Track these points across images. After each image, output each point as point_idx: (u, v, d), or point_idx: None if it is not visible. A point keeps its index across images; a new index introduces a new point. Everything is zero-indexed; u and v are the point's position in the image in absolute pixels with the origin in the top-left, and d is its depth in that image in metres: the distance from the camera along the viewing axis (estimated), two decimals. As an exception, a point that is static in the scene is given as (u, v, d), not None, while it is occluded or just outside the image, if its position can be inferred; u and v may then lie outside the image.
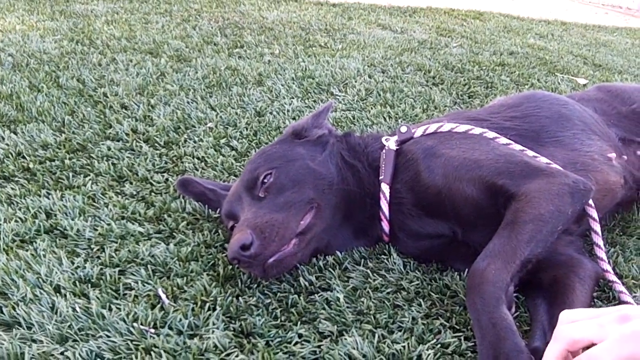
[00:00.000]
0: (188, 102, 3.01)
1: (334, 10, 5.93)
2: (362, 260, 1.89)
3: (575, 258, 1.84)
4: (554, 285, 1.73)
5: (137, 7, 5.04)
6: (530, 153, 1.89)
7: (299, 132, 2.08)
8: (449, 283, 1.80)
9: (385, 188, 1.90)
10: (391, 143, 1.97)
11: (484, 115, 2.18)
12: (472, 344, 1.56)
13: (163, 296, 1.64)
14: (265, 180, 1.84)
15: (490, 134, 1.95)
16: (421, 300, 1.73)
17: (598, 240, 1.80)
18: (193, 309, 1.60)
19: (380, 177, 1.92)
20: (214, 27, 4.60)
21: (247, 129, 2.77)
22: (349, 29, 5.14)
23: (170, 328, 1.53)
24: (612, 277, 1.77)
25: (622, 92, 2.52)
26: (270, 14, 5.33)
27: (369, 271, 1.83)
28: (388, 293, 1.75)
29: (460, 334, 1.60)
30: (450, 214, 1.84)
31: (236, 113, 2.93)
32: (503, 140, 1.93)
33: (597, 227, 1.81)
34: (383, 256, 1.92)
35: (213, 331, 1.53)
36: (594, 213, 1.81)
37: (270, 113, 2.98)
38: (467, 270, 1.78)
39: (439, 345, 1.55)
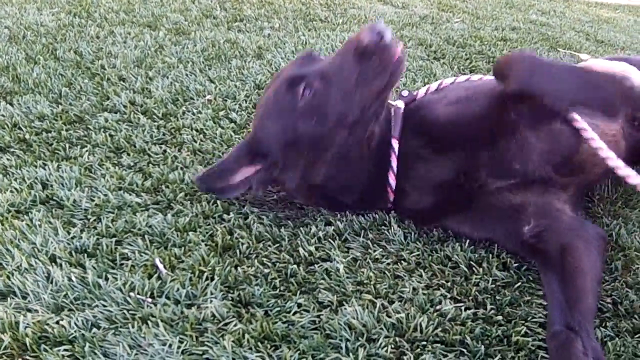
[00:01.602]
0: (187, 75, 2.97)
1: (334, -15, 5.87)
2: (362, 231, 1.87)
3: (579, 221, 1.83)
4: (562, 256, 1.70)
5: (136, -20, 4.98)
6: None
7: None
8: (450, 254, 1.79)
9: (394, 143, 1.87)
10: (399, 102, 1.97)
11: None
12: (472, 312, 1.55)
13: (160, 266, 1.62)
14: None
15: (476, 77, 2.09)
16: (422, 271, 1.71)
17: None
18: (191, 279, 1.58)
19: (393, 135, 1.90)
20: (214, 0, 4.55)
21: (246, 102, 2.73)
22: (350, 3, 5.09)
23: (167, 297, 1.52)
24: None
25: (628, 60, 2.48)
26: (270, -12, 5.28)
27: (369, 242, 1.81)
28: (388, 264, 1.73)
29: (461, 304, 1.59)
30: (458, 142, 1.83)
31: (235, 86, 2.89)
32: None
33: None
34: (383, 227, 1.90)
35: (211, 301, 1.51)
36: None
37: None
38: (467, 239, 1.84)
39: (439, 315, 1.54)
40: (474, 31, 4.53)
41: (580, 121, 1.75)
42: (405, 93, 2.02)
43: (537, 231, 1.78)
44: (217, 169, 1.93)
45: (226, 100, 2.72)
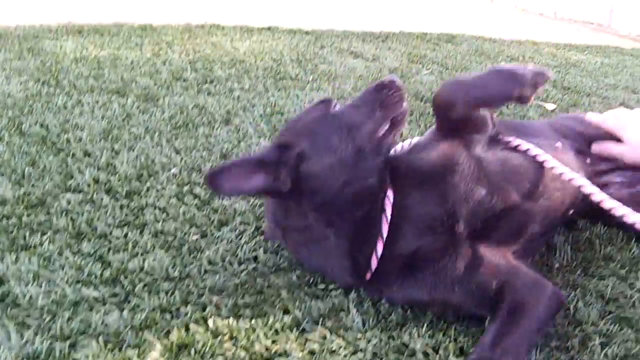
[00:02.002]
0: (153, 146, 2.98)
1: (307, 39, 5.92)
2: (321, 319, 1.87)
3: (536, 278, 1.91)
4: (513, 308, 1.79)
5: (108, 41, 5.00)
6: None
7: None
8: (407, 341, 1.79)
9: (389, 193, 1.93)
10: None
11: None
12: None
13: (114, 370, 1.62)
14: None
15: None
16: (378, 361, 1.71)
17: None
18: (144, 385, 1.57)
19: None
20: (185, 60, 4.58)
21: (211, 174, 2.74)
22: (321, 58, 5.14)
23: (118, 407, 1.51)
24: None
25: (579, 117, 2.76)
26: (242, 45, 5.32)
27: (327, 331, 1.81)
28: (345, 356, 1.73)
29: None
30: (433, 185, 1.93)
31: (201, 156, 2.90)
32: None
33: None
34: (342, 313, 1.90)
35: (163, 407, 1.50)
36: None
37: (236, 155, 2.96)
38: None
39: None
40: (442, 83, 4.57)
41: (542, 154, 2.03)
42: None
43: (501, 286, 1.84)
44: (234, 165, 1.89)
45: (191, 174, 2.73)
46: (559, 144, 2.37)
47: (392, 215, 1.90)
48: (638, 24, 9.78)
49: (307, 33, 6.22)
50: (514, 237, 2.02)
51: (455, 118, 1.96)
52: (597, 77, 5.67)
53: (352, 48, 5.66)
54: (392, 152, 2.09)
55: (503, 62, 5.71)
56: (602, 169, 2.50)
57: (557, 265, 2.24)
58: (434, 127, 2.14)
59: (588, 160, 2.46)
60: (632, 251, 2.37)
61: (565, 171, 2.00)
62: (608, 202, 1.95)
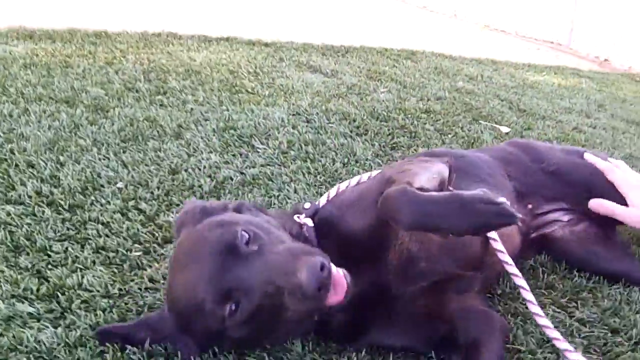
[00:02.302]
0: (100, 159, 2.91)
1: (266, 51, 5.88)
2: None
3: (485, 316, 1.94)
4: (468, 349, 1.83)
5: (60, 48, 4.88)
6: None
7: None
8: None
9: None
10: (307, 220, 1.95)
11: None
12: None
13: (42, 392, 1.57)
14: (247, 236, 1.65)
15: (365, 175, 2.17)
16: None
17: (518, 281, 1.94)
18: (72, 407, 1.53)
19: None
20: (138, 70, 4.50)
21: (158, 189, 2.70)
22: (279, 71, 5.11)
23: None
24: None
25: (531, 149, 2.70)
26: (199, 55, 5.26)
27: (265, 354, 1.79)
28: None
29: None
30: (362, 252, 1.86)
31: (149, 171, 2.85)
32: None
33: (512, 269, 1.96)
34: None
35: None
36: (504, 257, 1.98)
37: (186, 170, 2.91)
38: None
39: None
40: (399, 102, 4.60)
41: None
42: (307, 205, 2.00)
43: (451, 331, 1.88)
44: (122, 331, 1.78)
45: (137, 189, 2.68)
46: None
47: None
48: (597, 45, 9.96)
49: (266, 45, 6.18)
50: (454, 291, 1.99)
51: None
52: (553, 100, 5.75)
53: (312, 62, 5.63)
54: (322, 201, 2.06)
55: (461, 82, 5.76)
56: (543, 211, 2.53)
57: (499, 292, 2.26)
58: (376, 174, 2.12)
59: (530, 206, 2.49)
60: (574, 280, 2.40)
61: (502, 252, 1.97)
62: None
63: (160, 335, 1.74)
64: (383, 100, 4.59)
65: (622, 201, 2.45)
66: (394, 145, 3.63)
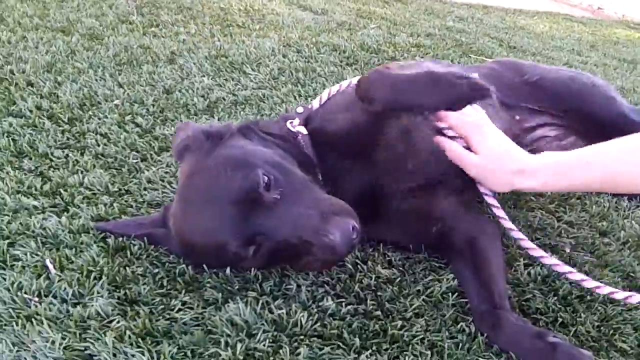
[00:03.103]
0: (96, 80, 2.99)
1: (255, -11, 5.92)
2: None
3: (477, 219, 2.01)
4: (471, 250, 1.87)
5: (54, -17, 4.94)
6: None
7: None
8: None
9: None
10: (301, 128, 1.95)
11: None
12: (353, 308, 1.65)
13: (50, 266, 1.67)
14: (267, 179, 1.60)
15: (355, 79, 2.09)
16: (308, 269, 1.80)
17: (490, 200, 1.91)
18: (79, 279, 1.63)
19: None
20: (131, 5, 4.54)
21: (153, 106, 2.78)
22: (269, 9, 5.15)
23: (54, 297, 1.57)
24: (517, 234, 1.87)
25: (515, 65, 2.71)
26: (190, -7, 5.30)
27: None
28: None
29: (342, 299, 1.68)
30: (357, 150, 1.90)
31: (144, 90, 2.93)
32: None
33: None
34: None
35: (97, 299, 1.56)
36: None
37: (180, 91, 2.99)
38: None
39: (320, 311, 1.63)
40: (389, 37, 4.66)
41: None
42: (300, 110, 2.02)
43: (445, 231, 1.93)
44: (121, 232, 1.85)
45: (133, 105, 2.76)
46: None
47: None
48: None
49: (256, -15, 6.21)
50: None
51: (373, 111, 1.83)
52: (544, 40, 5.80)
53: (301, 1, 5.67)
54: (315, 104, 2.06)
55: (451, 22, 5.81)
56: (532, 125, 2.59)
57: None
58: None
59: (517, 117, 2.51)
60: (563, 191, 2.49)
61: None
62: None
63: (160, 243, 1.81)
64: (373, 35, 4.64)
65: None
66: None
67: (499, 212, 1.89)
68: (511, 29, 6.09)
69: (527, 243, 1.83)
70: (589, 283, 1.72)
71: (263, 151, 1.75)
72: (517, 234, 1.85)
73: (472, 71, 2.55)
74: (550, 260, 1.80)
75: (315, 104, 2.07)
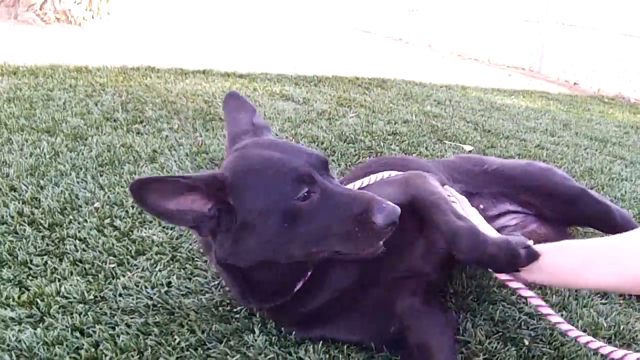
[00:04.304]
0: (78, 182, 3.09)
1: (241, 82, 6.10)
2: (224, 339, 2.03)
3: (433, 319, 2.07)
4: (418, 353, 1.97)
5: (42, 82, 5.09)
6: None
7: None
8: (303, 356, 1.95)
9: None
10: None
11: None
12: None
13: (23, 382, 1.74)
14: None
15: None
16: (275, 374, 1.87)
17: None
18: (50, 394, 1.70)
19: None
20: (117, 101, 4.69)
21: (133, 208, 2.87)
22: (252, 100, 5.28)
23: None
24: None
25: (474, 158, 2.94)
26: (175, 87, 5.47)
27: (227, 349, 1.96)
28: (244, 370, 1.88)
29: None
30: None
31: (124, 192, 3.03)
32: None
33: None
34: (245, 333, 2.06)
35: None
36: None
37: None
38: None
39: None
40: (367, 126, 4.80)
41: None
42: None
43: (401, 329, 2.03)
44: (165, 180, 1.80)
45: (113, 208, 2.86)
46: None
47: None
48: (566, 70, 10.23)
49: (241, 76, 6.40)
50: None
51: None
52: (519, 121, 5.96)
53: (284, 91, 5.84)
54: None
55: (429, 107, 5.97)
56: (494, 213, 2.71)
57: (451, 291, 2.44)
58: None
59: (482, 206, 2.65)
60: (525, 278, 2.57)
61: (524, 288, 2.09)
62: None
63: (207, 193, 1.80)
64: (351, 125, 4.79)
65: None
66: (359, 165, 3.82)
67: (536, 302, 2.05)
68: (487, 111, 6.25)
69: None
70: None
71: None
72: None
73: (436, 165, 2.70)
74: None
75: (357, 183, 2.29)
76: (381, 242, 1.79)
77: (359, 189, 2.22)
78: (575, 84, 9.88)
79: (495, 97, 7.36)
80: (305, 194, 1.76)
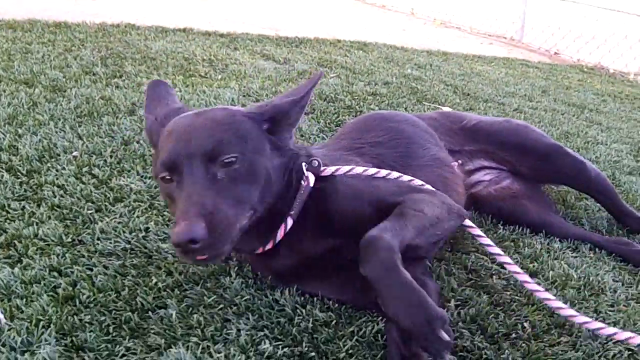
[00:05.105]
0: (56, 132, 3.09)
1: (221, 41, 6.07)
2: (201, 281, 2.05)
3: (421, 280, 2.01)
4: None
5: (20, 36, 5.05)
6: (418, 182, 2.16)
7: (276, 121, 1.94)
8: (278, 298, 1.98)
9: (289, 221, 1.96)
10: (311, 177, 2.02)
11: (354, 143, 2.47)
12: (290, 350, 1.76)
13: (1, 316, 1.75)
14: (228, 162, 1.73)
15: (383, 172, 2.14)
16: (250, 314, 1.90)
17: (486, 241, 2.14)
18: (28, 327, 1.72)
19: (291, 212, 1.96)
20: (96, 57, 4.67)
21: (111, 157, 2.89)
22: (232, 59, 5.30)
23: (3, 345, 1.66)
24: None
25: (454, 115, 2.98)
26: (155, 44, 5.44)
27: (204, 290, 1.99)
28: (220, 309, 1.91)
29: (280, 342, 1.79)
30: (345, 231, 1.98)
31: (103, 142, 3.04)
32: (405, 177, 2.16)
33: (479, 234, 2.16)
34: (222, 276, 2.09)
35: (44, 347, 1.65)
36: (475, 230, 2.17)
37: (137, 142, 3.10)
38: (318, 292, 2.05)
39: (257, 354, 1.73)
40: (347, 86, 4.81)
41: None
42: (315, 163, 2.06)
43: None
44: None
45: (92, 157, 2.86)
46: (454, 164, 2.60)
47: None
48: (547, 39, 10.24)
49: (221, 35, 6.37)
50: None
51: None
52: (498, 86, 5.98)
53: (265, 51, 5.84)
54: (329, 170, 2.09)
55: (409, 70, 5.98)
56: (470, 168, 2.77)
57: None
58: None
59: (460, 161, 2.71)
60: (498, 232, 2.64)
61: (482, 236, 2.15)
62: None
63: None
64: (332, 85, 4.80)
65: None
66: (339, 122, 3.83)
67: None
68: (467, 76, 6.27)
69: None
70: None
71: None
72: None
73: (416, 119, 2.71)
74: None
75: (330, 169, 2.10)
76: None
77: (376, 177, 2.14)
78: (555, 53, 9.90)
79: (475, 63, 7.37)
80: (167, 177, 1.75)
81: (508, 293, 2.21)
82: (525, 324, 2.00)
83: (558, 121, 4.79)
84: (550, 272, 2.35)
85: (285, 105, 1.93)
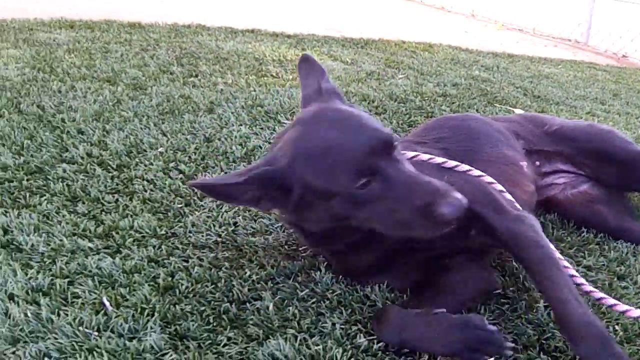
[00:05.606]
0: (141, 128, 3.19)
1: (289, 42, 6.14)
2: (292, 275, 2.10)
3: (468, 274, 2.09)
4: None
5: (99, 36, 5.23)
6: (488, 178, 2.16)
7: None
8: (369, 294, 2.02)
9: None
10: None
11: (418, 139, 2.49)
12: (384, 345, 1.78)
13: (107, 303, 1.83)
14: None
15: (464, 167, 2.17)
16: (342, 308, 1.94)
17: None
18: (133, 315, 1.79)
19: None
20: (171, 56, 4.79)
21: (195, 154, 2.97)
22: (302, 59, 5.35)
23: (112, 331, 1.73)
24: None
25: (537, 118, 2.94)
26: (226, 45, 5.54)
27: (297, 284, 2.04)
28: (313, 302, 1.95)
29: (374, 337, 1.81)
30: None
31: (186, 139, 3.13)
32: (475, 172, 2.17)
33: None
34: (312, 270, 2.13)
35: (150, 334, 1.72)
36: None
37: (219, 139, 3.18)
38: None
39: (353, 348, 1.77)
40: (416, 87, 4.82)
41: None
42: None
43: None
44: (220, 185, 1.86)
45: (177, 153, 2.95)
46: (524, 163, 2.56)
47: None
48: (615, 42, 10.05)
49: (289, 37, 6.45)
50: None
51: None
52: (568, 89, 5.90)
53: (332, 52, 5.89)
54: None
55: (477, 72, 5.95)
56: (547, 170, 2.75)
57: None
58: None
59: (537, 163, 2.70)
60: (582, 235, 2.61)
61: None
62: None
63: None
64: (401, 85, 4.82)
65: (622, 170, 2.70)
66: (411, 123, 3.85)
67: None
68: (536, 78, 6.20)
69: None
70: None
71: None
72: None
73: (499, 123, 2.71)
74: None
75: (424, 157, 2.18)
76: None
77: (443, 166, 2.17)
78: (623, 56, 9.71)
79: (542, 65, 7.28)
80: (365, 182, 1.72)
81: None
82: (617, 327, 1.99)
83: (633, 125, 4.72)
84: (639, 275, 2.33)
85: None
